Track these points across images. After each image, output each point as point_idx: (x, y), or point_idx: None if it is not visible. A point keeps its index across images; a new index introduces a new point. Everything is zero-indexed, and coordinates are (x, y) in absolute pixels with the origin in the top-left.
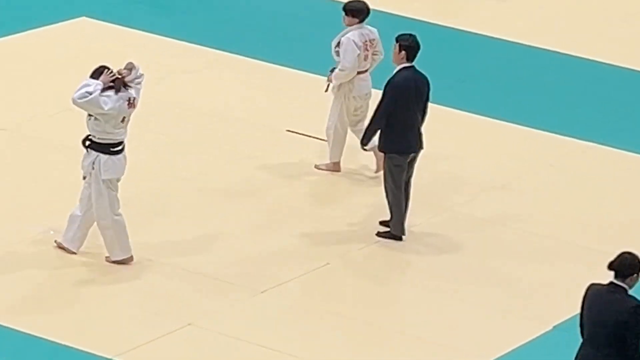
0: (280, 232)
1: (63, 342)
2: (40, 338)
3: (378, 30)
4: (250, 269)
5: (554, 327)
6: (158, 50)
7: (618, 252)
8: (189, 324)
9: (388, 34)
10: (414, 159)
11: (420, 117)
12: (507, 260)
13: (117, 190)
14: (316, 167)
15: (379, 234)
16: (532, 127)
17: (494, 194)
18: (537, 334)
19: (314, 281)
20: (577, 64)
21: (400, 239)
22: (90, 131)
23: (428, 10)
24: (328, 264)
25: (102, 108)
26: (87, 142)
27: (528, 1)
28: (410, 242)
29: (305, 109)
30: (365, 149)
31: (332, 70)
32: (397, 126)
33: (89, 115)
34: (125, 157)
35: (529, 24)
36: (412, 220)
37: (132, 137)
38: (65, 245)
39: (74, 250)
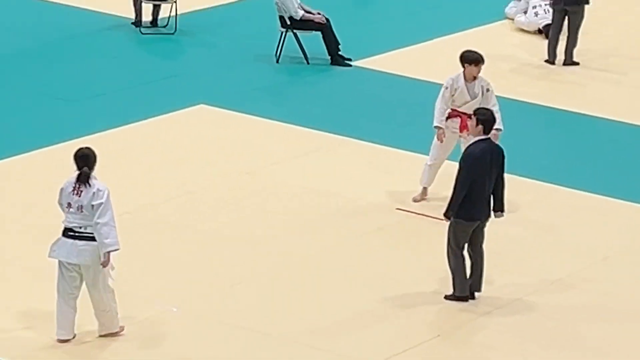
0: (390, 305)
1: None
2: None
3: (502, 116)
4: (360, 341)
5: None
6: (274, 134)
7: None
8: None
9: (509, 118)
10: (482, 225)
11: (491, 186)
12: (607, 328)
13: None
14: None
15: (446, 297)
16: (635, 202)
17: (596, 266)
18: None
19: (426, 353)
20: None
21: (466, 299)
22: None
23: (545, 94)
24: (439, 335)
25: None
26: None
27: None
28: (523, 312)
29: (414, 188)
30: (449, 220)
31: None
32: (469, 194)
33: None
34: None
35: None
36: (518, 289)
37: (252, 216)
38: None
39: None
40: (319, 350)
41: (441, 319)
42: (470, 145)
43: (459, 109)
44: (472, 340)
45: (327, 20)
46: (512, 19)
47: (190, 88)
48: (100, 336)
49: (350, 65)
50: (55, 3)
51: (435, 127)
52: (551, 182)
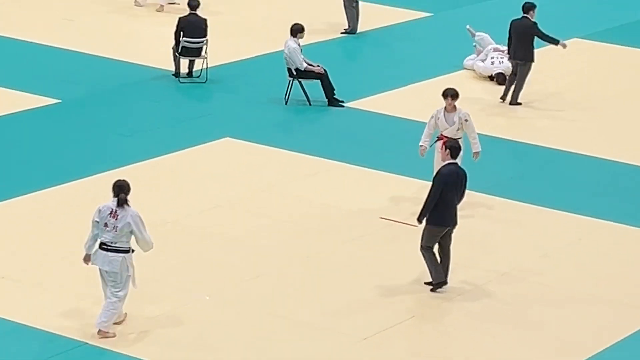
0: (376, 294)
1: None
2: None
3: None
4: (355, 321)
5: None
6: (284, 160)
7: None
8: None
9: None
10: (450, 231)
11: (457, 200)
12: (548, 309)
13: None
14: None
15: (426, 283)
16: (567, 212)
17: (537, 262)
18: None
19: (404, 330)
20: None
21: (443, 284)
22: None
23: (501, 128)
24: (414, 316)
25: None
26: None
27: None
28: (481, 297)
29: (396, 202)
30: (420, 223)
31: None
32: (439, 206)
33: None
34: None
35: (574, 135)
36: (476, 279)
37: (266, 223)
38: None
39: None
40: (325, 330)
41: (416, 303)
42: (441, 167)
43: (443, 133)
44: (440, 319)
45: (325, 71)
46: (471, 70)
47: (218, 125)
48: (98, 331)
49: (343, 106)
50: (112, 59)
51: (419, 145)
52: (504, 197)
